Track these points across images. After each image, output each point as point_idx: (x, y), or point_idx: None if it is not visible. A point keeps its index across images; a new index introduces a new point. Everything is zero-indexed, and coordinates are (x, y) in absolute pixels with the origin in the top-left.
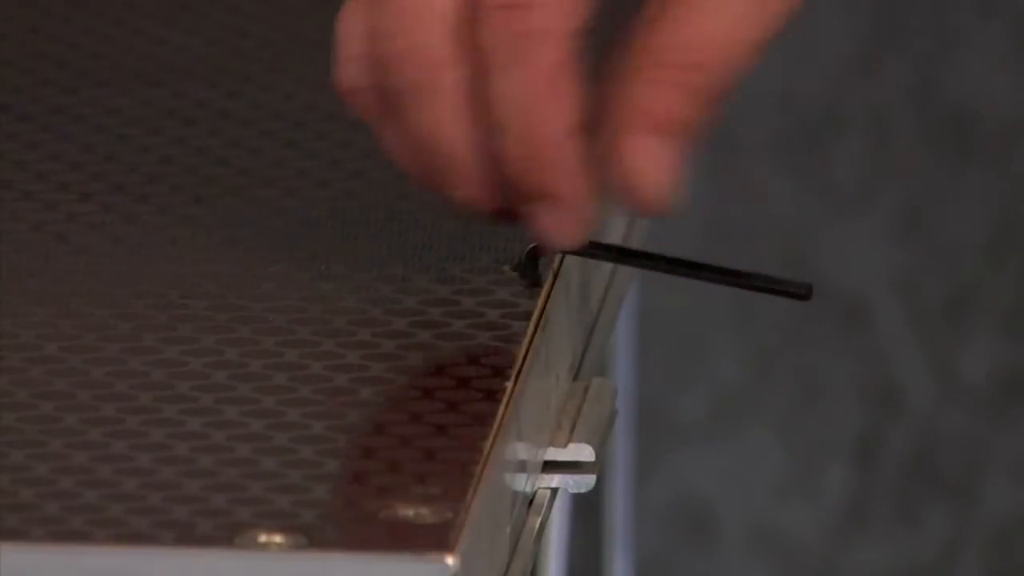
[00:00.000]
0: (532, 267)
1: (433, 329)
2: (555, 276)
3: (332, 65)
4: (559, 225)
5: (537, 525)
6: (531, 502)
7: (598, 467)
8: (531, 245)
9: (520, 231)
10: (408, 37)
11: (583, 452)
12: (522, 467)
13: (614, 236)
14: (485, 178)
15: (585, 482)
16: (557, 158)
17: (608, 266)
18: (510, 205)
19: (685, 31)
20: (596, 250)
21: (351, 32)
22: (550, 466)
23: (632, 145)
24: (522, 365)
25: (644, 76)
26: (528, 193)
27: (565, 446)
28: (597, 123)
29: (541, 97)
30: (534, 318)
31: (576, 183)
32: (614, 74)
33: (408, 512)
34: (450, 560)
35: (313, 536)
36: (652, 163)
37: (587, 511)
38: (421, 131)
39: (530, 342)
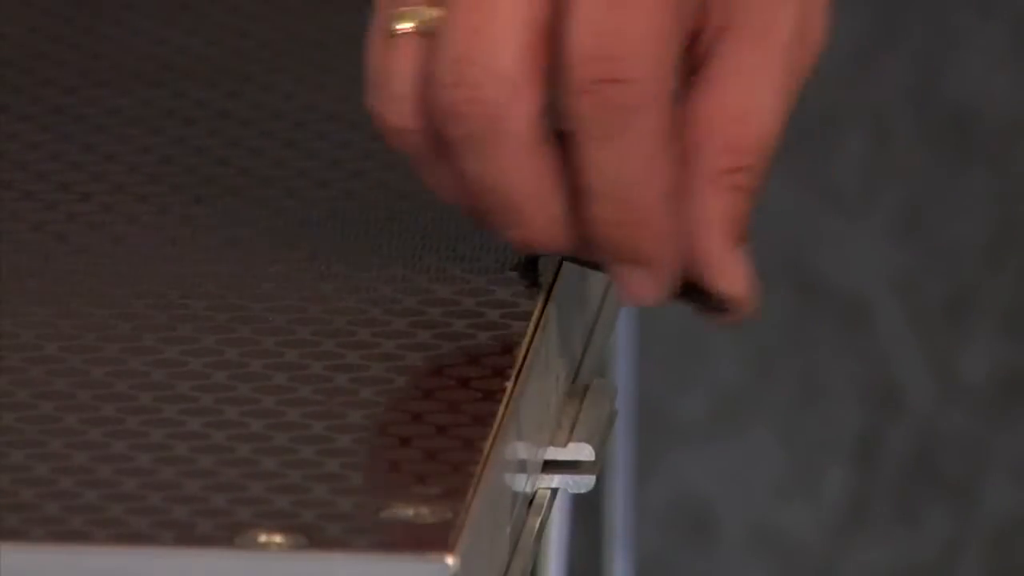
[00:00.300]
0: (532, 268)
1: (433, 329)
2: (555, 277)
3: (368, 97)
4: (646, 286)
5: (537, 525)
6: (531, 502)
7: (598, 467)
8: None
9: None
10: (473, 90)
11: (583, 452)
12: (522, 467)
13: None
14: (556, 226)
15: (585, 482)
16: (654, 224)
17: None
18: (588, 255)
19: (740, 130)
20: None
21: (397, 70)
22: (550, 466)
23: (718, 257)
24: (522, 365)
25: (709, 184)
26: (619, 255)
27: (565, 446)
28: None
29: (642, 168)
30: (534, 318)
31: (669, 247)
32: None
33: (408, 512)
34: (450, 560)
35: (313, 536)
36: (738, 273)
37: (587, 511)
38: (484, 178)
39: (530, 342)
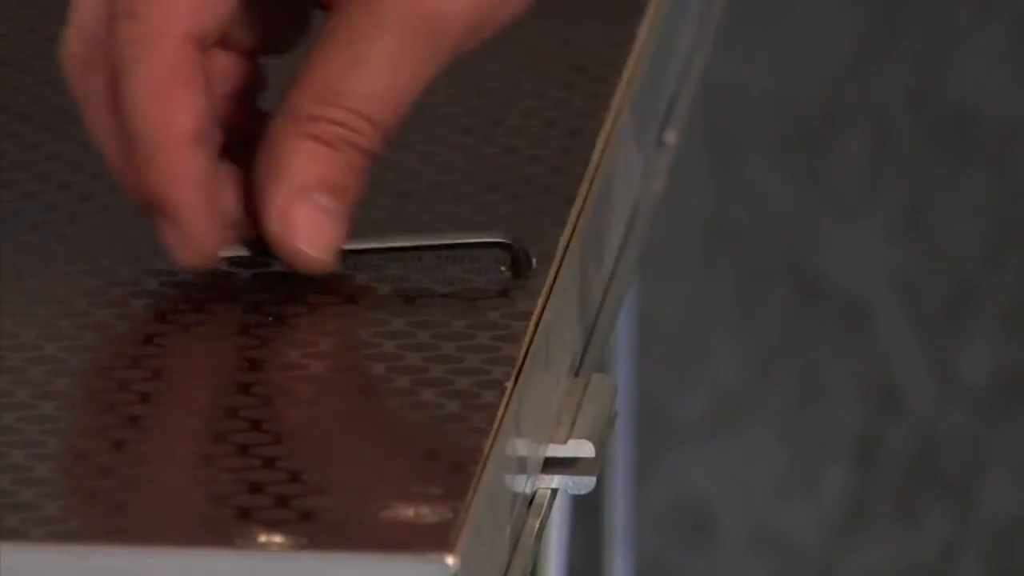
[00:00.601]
0: (526, 265)
1: (433, 329)
2: (555, 276)
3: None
4: (176, 240)
5: (537, 525)
6: (531, 502)
7: (599, 464)
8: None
9: (520, 232)
10: (63, 46)
11: (583, 448)
12: (522, 466)
13: (613, 237)
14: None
15: (585, 484)
16: (171, 167)
17: (608, 266)
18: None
19: (340, 80)
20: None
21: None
22: (551, 463)
23: (280, 202)
24: (522, 365)
25: (294, 129)
26: (148, 202)
27: (565, 442)
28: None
29: (154, 100)
30: (534, 318)
31: (191, 196)
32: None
33: (408, 512)
34: (450, 560)
35: (313, 536)
36: (301, 224)
37: (587, 511)
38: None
39: (530, 342)
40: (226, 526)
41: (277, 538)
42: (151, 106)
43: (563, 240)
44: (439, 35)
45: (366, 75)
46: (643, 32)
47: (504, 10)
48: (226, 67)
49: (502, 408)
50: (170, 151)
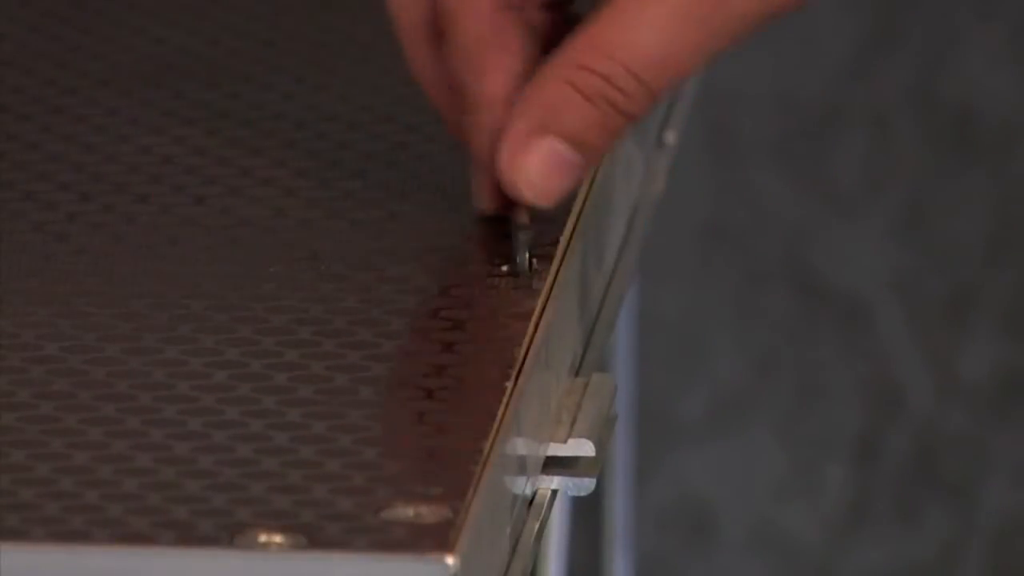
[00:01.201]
0: (525, 264)
1: (433, 329)
2: (555, 276)
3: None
4: (478, 187)
5: (537, 526)
6: (531, 502)
7: (599, 463)
8: (523, 235)
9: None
10: None
11: (584, 447)
12: (523, 466)
13: (613, 237)
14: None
15: (585, 485)
16: (482, 124)
17: (608, 266)
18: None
19: (613, 31)
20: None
21: None
22: (551, 462)
23: (516, 139)
24: (522, 365)
25: (556, 72)
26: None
27: (565, 442)
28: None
29: (467, 63)
30: (534, 318)
31: (487, 148)
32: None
33: (408, 512)
34: (450, 560)
35: (313, 536)
36: (531, 165)
37: (587, 511)
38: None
39: (530, 342)
40: (226, 526)
41: (277, 538)
42: (465, 68)
43: (563, 240)
44: (727, 8)
45: (641, 31)
46: None
47: None
48: (544, 20)
49: (503, 407)
50: (482, 111)
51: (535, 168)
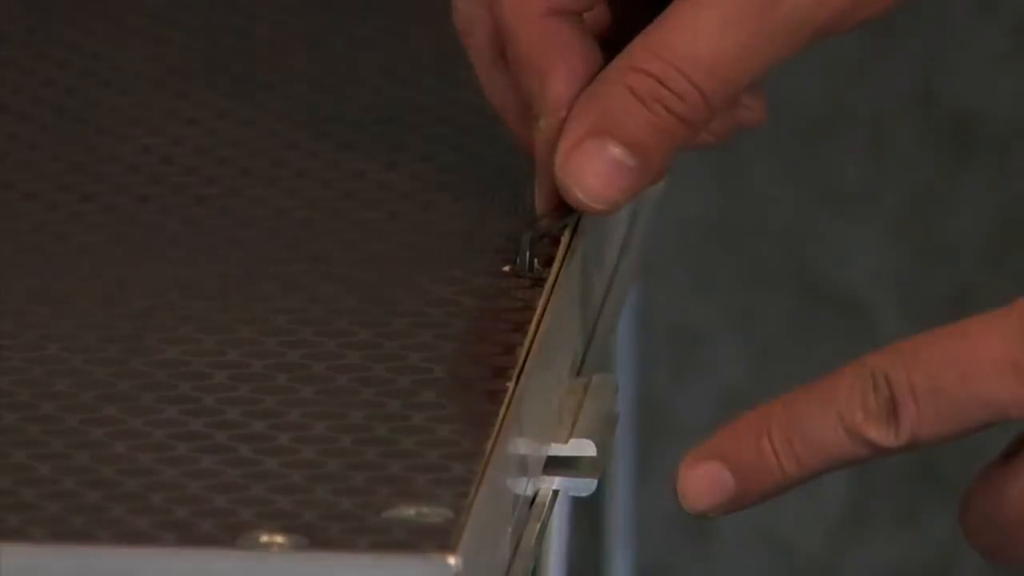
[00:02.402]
0: (529, 264)
1: (433, 329)
2: (556, 276)
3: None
4: (538, 190)
5: (538, 526)
6: (532, 503)
7: (600, 463)
8: (527, 235)
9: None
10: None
11: (585, 447)
12: (524, 466)
13: (614, 237)
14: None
15: (586, 485)
16: (539, 122)
17: (609, 266)
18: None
19: (669, 35)
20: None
21: None
22: (552, 462)
23: (572, 141)
24: (523, 365)
25: (615, 75)
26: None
27: (566, 442)
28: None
29: (528, 72)
30: (535, 318)
31: (547, 152)
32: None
33: (410, 512)
34: (452, 560)
35: (314, 536)
36: (585, 169)
37: (587, 512)
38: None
39: (531, 342)
40: (228, 526)
41: (278, 538)
42: (526, 77)
43: (564, 240)
44: (777, 16)
45: (691, 34)
46: None
47: (863, 12)
48: (604, 22)
49: (504, 408)
50: (543, 115)
51: (590, 172)
